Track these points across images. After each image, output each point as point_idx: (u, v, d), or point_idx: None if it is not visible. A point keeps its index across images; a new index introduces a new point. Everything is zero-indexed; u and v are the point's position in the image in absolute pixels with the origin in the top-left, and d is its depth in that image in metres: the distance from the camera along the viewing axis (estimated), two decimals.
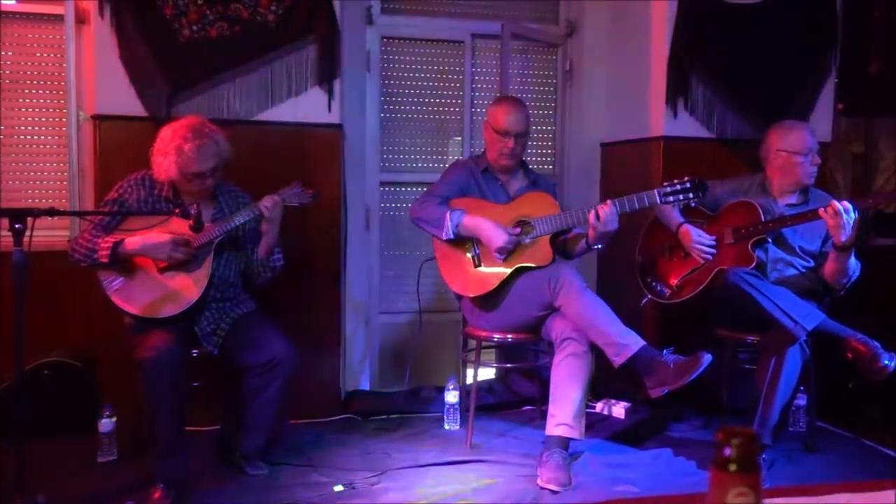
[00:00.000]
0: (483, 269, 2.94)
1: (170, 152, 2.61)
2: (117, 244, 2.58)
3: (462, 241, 2.97)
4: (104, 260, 2.57)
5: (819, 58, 3.75)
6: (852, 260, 2.83)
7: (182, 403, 2.56)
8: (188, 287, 2.65)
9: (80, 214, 2.98)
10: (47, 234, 3.16)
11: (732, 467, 0.71)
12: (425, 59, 4.01)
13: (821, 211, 2.73)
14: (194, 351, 2.72)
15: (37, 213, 2.20)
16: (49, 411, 3.02)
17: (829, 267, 2.89)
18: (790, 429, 3.20)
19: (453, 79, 4.05)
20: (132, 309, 2.62)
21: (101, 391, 3.11)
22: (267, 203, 2.70)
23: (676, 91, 3.61)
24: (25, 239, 2.16)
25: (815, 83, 3.75)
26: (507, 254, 2.88)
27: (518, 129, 2.98)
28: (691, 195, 2.74)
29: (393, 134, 4.00)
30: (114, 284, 2.64)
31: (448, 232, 2.91)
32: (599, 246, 2.89)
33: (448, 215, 2.91)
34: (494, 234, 2.86)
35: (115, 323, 2.80)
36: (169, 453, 2.53)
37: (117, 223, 2.68)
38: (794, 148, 3.00)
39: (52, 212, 2.29)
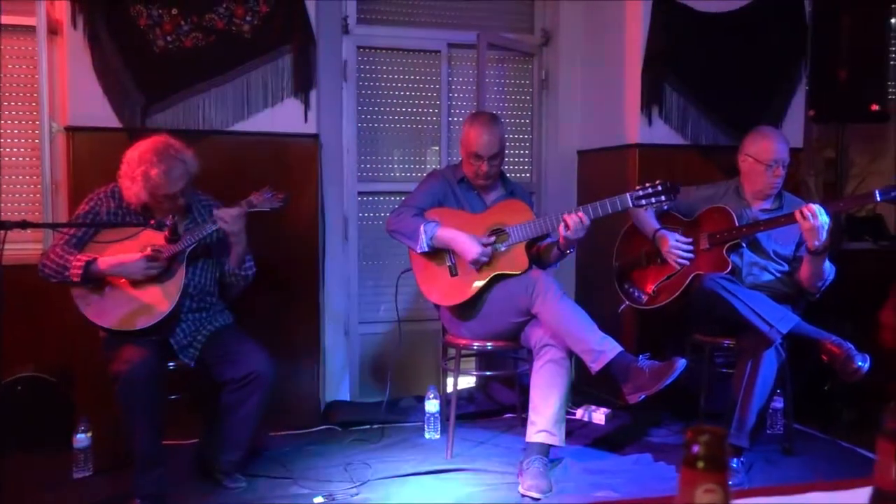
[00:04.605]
0: (459, 278, 2.95)
1: (137, 178, 2.58)
2: (90, 264, 2.55)
3: (438, 251, 2.97)
4: (75, 279, 2.54)
5: (790, 65, 3.81)
6: (826, 264, 2.86)
7: (158, 416, 2.54)
8: (161, 299, 2.62)
9: (53, 227, 2.94)
10: (20, 248, 3.12)
11: (700, 465, 0.72)
12: (402, 68, 4.02)
13: (796, 214, 2.76)
14: (171, 364, 2.69)
15: (8, 225, 2.18)
16: (23, 426, 2.97)
17: (804, 271, 2.93)
18: (767, 431, 3.23)
19: (430, 88, 4.07)
20: (105, 323, 2.59)
21: (76, 406, 3.07)
22: (225, 217, 2.65)
23: (651, 99, 3.65)
24: None
25: (787, 90, 3.81)
26: (481, 265, 2.89)
27: (490, 153, 2.99)
28: (663, 198, 2.77)
29: (370, 143, 4.01)
30: (86, 299, 2.61)
31: (423, 245, 2.92)
32: (571, 250, 2.92)
33: (422, 228, 2.92)
34: (469, 246, 2.87)
35: (90, 337, 2.77)
36: (146, 467, 2.51)
37: (90, 236, 2.65)
38: (758, 156, 3.04)
39: (23, 224, 2.27)
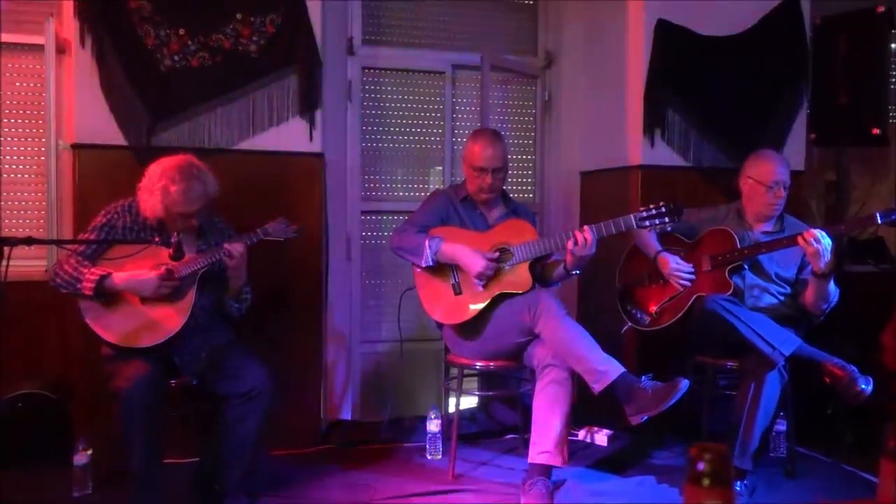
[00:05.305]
0: (463, 297, 2.95)
1: (156, 191, 2.61)
2: (104, 278, 2.56)
3: (442, 269, 2.98)
4: (87, 293, 2.54)
5: (791, 89, 3.84)
6: (831, 286, 2.86)
7: (158, 434, 2.52)
8: (169, 317, 2.63)
9: (58, 243, 2.96)
10: (24, 264, 3.13)
11: (705, 482, 0.72)
12: (406, 89, 4.06)
13: (799, 238, 2.77)
14: (173, 381, 2.69)
15: (13, 241, 2.18)
16: (23, 444, 2.96)
17: (808, 294, 2.93)
18: (770, 454, 3.21)
19: (434, 109, 4.10)
20: (110, 337, 2.59)
21: (76, 424, 3.06)
22: (232, 251, 2.66)
23: (653, 121, 3.68)
24: (2, 268, 2.13)
25: (788, 113, 3.84)
26: (486, 279, 2.90)
27: (495, 165, 3.01)
28: (667, 219, 2.78)
29: (374, 163, 4.03)
30: (95, 311, 2.61)
31: (427, 259, 2.92)
32: (577, 271, 2.92)
33: (427, 243, 2.92)
34: (473, 259, 2.88)
35: (91, 354, 2.77)
36: (144, 486, 2.49)
37: (104, 249, 2.66)
38: (759, 177, 3.05)
39: (29, 240, 2.27)
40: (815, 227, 2.78)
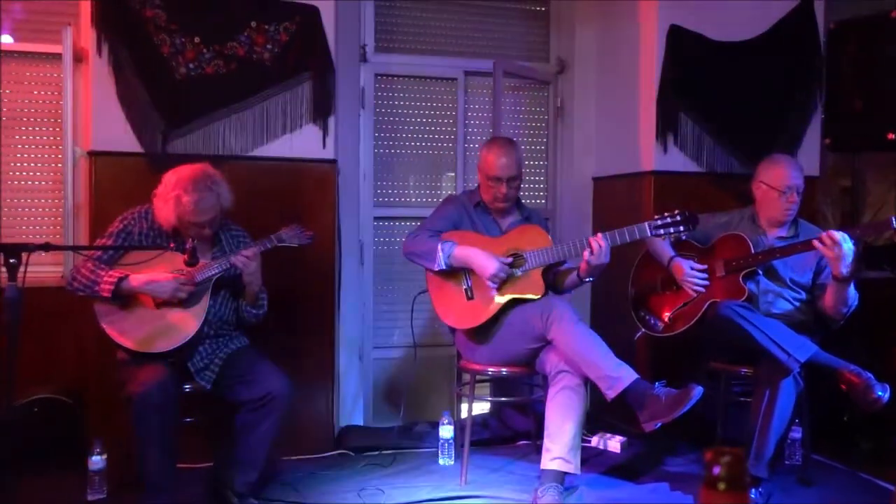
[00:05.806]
0: (476, 301, 2.95)
1: (169, 200, 2.64)
2: (121, 280, 2.58)
3: (455, 273, 2.98)
4: (105, 294, 2.57)
5: (804, 94, 3.83)
6: (851, 290, 2.83)
7: (172, 440, 2.54)
8: (184, 323, 2.65)
9: (75, 249, 2.99)
10: (41, 270, 3.17)
11: (721, 486, 0.72)
12: (419, 95, 4.08)
13: (815, 242, 2.74)
14: (187, 386, 2.71)
15: (31, 248, 2.20)
16: (39, 448, 2.98)
17: (828, 298, 2.90)
18: (786, 462, 3.18)
19: (446, 115, 4.11)
20: (126, 342, 2.61)
21: (91, 428, 3.08)
22: (240, 259, 2.68)
23: (666, 127, 3.67)
24: (19, 274, 2.15)
25: (801, 118, 3.83)
26: (499, 282, 2.89)
27: (509, 174, 3.01)
28: (682, 228, 2.77)
29: (387, 169, 4.05)
30: (110, 316, 2.63)
31: (440, 262, 2.92)
32: (591, 279, 2.91)
33: (439, 246, 2.93)
34: (486, 262, 2.88)
35: (106, 359, 2.79)
36: (158, 491, 2.50)
37: (120, 255, 2.69)
38: (772, 182, 3.04)
39: (46, 247, 2.29)
40: (835, 231, 2.74)
